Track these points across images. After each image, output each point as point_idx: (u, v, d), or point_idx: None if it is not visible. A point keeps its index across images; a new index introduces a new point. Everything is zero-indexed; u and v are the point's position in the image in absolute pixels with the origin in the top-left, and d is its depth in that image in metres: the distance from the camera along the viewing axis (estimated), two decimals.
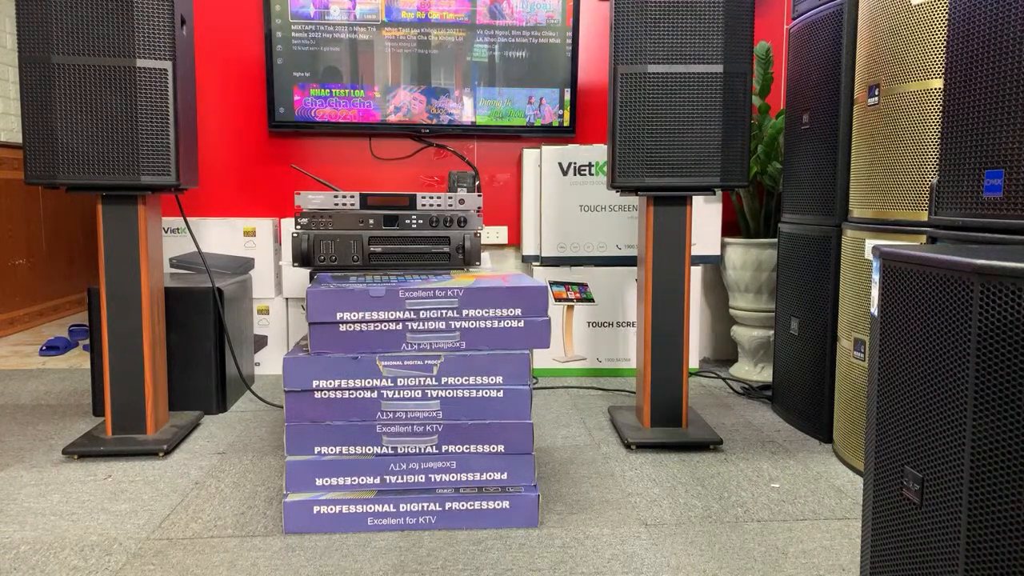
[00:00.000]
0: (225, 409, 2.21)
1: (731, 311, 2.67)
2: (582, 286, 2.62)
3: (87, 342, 3.11)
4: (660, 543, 1.39)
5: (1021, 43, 1.22)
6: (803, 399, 2.07)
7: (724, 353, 2.96)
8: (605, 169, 2.59)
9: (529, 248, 2.68)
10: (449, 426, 1.45)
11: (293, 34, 2.67)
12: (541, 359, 2.65)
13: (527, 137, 2.85)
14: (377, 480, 1.44)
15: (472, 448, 1.45)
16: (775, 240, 2.51)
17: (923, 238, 1.55)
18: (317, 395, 1.43)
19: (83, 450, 1.79)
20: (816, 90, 1.99)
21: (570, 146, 2.60)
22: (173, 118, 1.75)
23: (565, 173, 2.60)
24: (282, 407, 2.26)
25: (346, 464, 1.43)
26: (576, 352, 2.65)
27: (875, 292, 1.00)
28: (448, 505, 1.44)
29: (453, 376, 1.44)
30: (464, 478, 1.46)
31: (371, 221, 1.89)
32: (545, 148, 2.60)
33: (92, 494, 1.60)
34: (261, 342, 2.62)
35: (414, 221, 1.90)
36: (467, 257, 1.90)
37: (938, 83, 1.54)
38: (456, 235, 1.90)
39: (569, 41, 2.74)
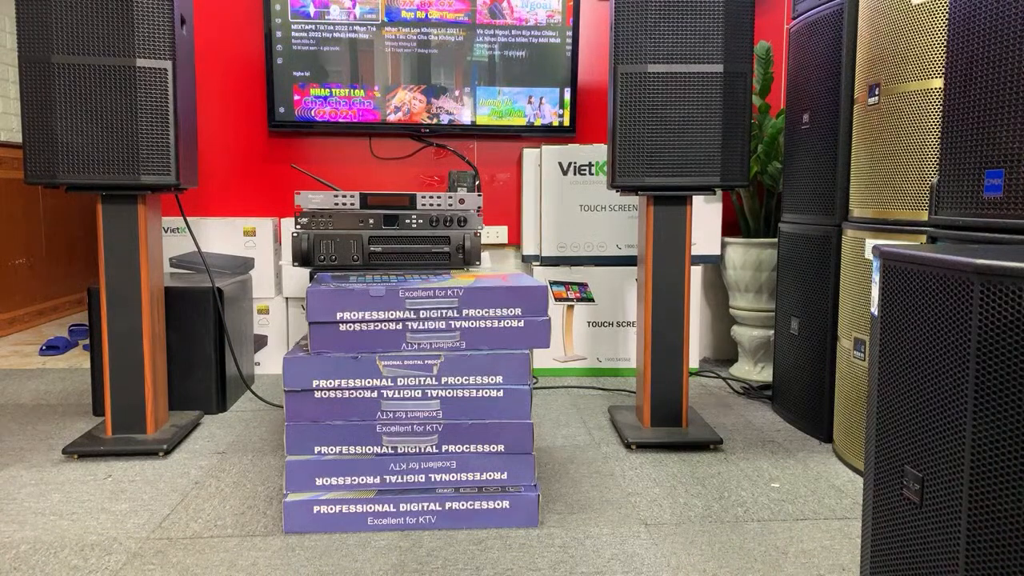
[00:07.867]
0: (225, 409, 2.21)
1: (731, 311, 2.67)
2: (582, 286, 2.62)
3: (87, 342, 3.10)
4: (660, 543, 1.39)
5: (1021, 43, 1.22)
6: (803, 399, 2.07)
7: (724, 353, 2.96)
8: (605, 169, 2.59)
9: (529, 248, 2.68)
10: (449, 426, 1.45)
11: (293, 34, 2.67)
12: (541, 359, 2.65)
13: (527, 137, 2.85)
14: (377, 480, 1.44)
15: (472, 448, 1.45)
16: (775, 240, 2.51)
17: (923, 238, 1.55)
18: (317, 395, 1.43)
19: (83, 450, 1.79)
20: (816, 90, 1.99)
21: (570, 146, 2.60)
22: (173, 118, 1.75)
23: (565, 173, 2.60)
24: (282, 407, 2.25)
25: (346, 464, 1.43)
26: (576, 352, 2.65)
27: (875, 292, 0.99)
28: (448, 505, 1.44)
29: (453, 376, 1.44)
30: (464, 478, 1.46)
31: (371, 221, 1.89)
32: (545, 148, 2.60)
33: (92, 494, 1.60)
34: (261, 342, 2.62)
35: (414, 221, 1.90)
36: (467, 257, 1.90)
37: (938, 83, 1.54)
38: (456, 235, 1.90)
39: (569, 41, 2.74)
